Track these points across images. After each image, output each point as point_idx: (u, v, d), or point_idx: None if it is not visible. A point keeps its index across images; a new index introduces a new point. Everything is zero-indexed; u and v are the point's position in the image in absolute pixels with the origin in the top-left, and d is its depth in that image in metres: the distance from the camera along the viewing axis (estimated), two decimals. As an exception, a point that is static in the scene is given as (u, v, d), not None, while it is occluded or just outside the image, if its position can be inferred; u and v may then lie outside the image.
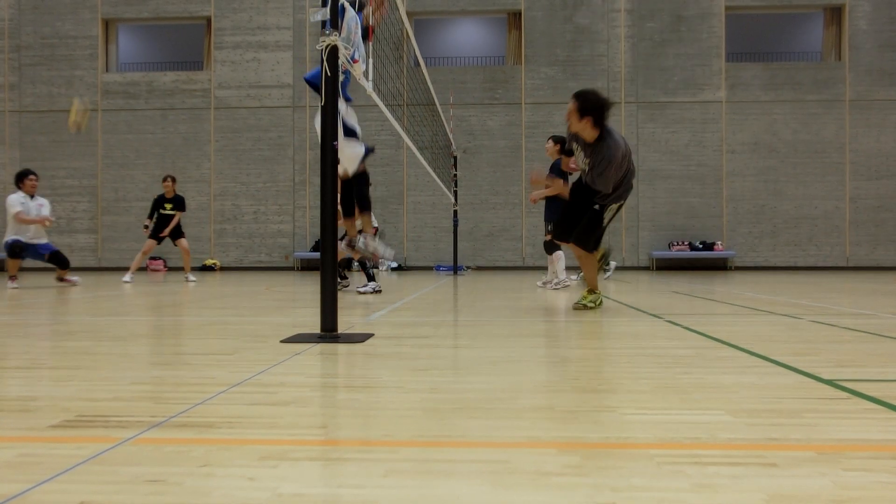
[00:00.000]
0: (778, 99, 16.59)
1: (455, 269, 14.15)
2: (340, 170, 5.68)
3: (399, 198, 16.95)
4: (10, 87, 17.50)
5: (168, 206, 10.98)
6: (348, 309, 5.38)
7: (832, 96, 16.46)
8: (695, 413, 1.88)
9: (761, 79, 16.66)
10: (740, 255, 16.52)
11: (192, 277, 10.94)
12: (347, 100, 5.74)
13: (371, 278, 7.62)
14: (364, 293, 7.30)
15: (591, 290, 5.32)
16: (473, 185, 16.72)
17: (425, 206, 16.92)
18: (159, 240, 10.97)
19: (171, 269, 16.74)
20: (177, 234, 11.04)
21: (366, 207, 6.07)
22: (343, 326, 3.86)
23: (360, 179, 6.00)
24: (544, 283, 8.68)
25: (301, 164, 17.13)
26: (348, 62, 4.02)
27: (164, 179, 11.10)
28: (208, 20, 17.38)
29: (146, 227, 11.09)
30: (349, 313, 4.97)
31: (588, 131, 4.87)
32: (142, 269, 16.66)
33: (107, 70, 17.72)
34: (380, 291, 7.42)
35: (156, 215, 10.96)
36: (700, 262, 16.35)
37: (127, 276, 10.45)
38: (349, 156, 5.74)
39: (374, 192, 9.49)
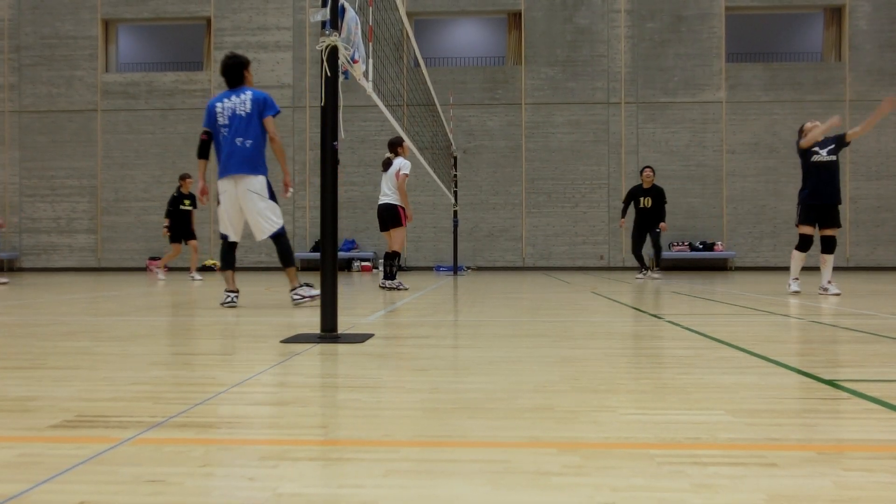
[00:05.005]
0: (778, 99, 16.59)
1: (455, 269, 14.15)
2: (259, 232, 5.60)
3: (399, 198, 16.95)
4: (10, 87, 17.50)
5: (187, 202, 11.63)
6: (348, 309, 5.38)
7: (832, 96, 16.45)
8: (695, 413, 1.88)
9: (761, 79, 16.65)
10: (740, 255, 16.51)
11: (197, 276, 11.53)
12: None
13: (388, 276, 8.20)
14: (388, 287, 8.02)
15: None
16: (473, 185, 16.71)
17: (425, 206, 16.91)
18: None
19: (170, 269, 16.71)
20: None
21: (289, 263, 5.78)
22: (343, 326, 3.86)
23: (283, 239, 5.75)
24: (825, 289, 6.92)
25: (301, 164, 17.12)
26: (348, 62, 4.02)
27: (184, 178, 11.80)
28: (208, 20, 17.38)
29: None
30: (349, 313, 4.97)
31: None
32: (141, 269, 16.66)
33: (107, 70, 17.71)
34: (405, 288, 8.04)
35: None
36: (700, 262, 16.34)
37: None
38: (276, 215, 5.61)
39: (375, 191, 9.53)
